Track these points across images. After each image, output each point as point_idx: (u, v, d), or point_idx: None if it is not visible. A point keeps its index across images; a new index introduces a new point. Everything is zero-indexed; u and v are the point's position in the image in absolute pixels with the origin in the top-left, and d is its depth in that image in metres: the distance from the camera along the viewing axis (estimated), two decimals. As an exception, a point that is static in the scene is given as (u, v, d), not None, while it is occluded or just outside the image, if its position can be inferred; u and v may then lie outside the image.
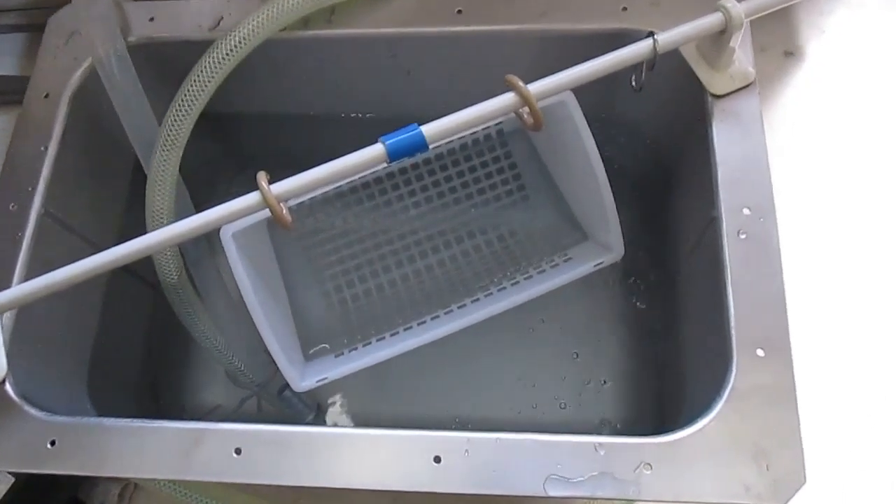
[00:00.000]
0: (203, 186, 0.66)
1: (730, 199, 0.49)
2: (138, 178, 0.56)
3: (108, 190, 0.62)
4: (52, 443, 0.46)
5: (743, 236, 0.48)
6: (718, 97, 0.52)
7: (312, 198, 0.63)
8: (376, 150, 0.46)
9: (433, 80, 0.62)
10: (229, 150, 0.74)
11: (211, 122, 0.68)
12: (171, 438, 0.46)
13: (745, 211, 0.49)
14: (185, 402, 0.70)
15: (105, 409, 0.59)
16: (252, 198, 0.46)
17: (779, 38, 0.69)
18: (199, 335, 0.60)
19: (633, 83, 0.51)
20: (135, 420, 0.47)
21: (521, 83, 0.46)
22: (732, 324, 0.46)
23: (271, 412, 0.66)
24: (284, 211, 0.49)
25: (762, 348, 0.45)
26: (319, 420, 0.66)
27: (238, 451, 0.45)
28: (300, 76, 0.64)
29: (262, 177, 0.46)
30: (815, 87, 0.65)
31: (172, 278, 0.58)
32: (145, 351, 0.69)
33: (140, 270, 0.66)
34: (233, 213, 0.46)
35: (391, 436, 0.45)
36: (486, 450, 0.44)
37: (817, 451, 0.44)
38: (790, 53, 0.68)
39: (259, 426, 0.46)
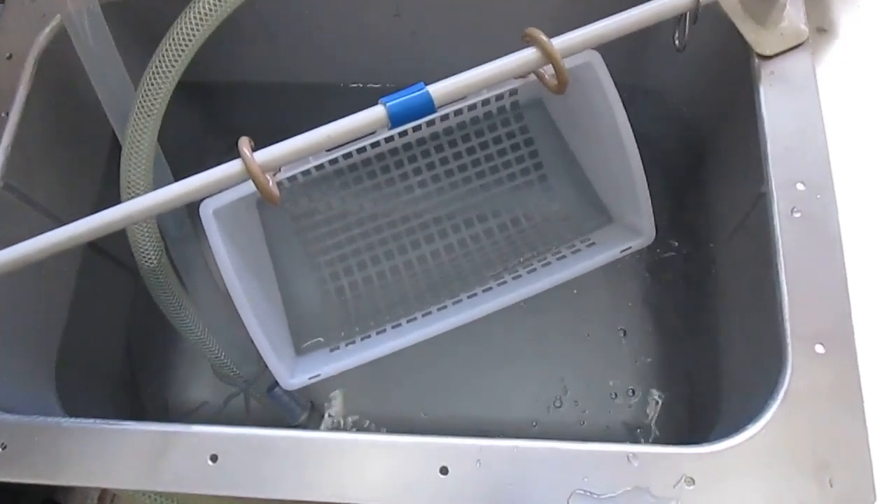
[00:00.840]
0: (191, 164, 0.61)
1: (781, 172, 0.44)
2: (117, 150, 0.51)
3: (81, 163, 0.58)
4: (3, 446, 0.41)
5: (797, 215, 0.43)
6: (766, 58, 0.47)
7: (307, 175, 0.57)
8: (376, 112, 0.40)
9: (441, 42, 0.57)
10: (220, 124, 0.70)
11: (200, 93, 0.66)
12: (138, 442, 0.40)
13: (800, 186, 0.44)
14: (168, 398, 0.65)
15: (76, 407, 0.54)
16: (233, 166, 0.40)
17: (810, 14, 0.63)
18: (180, 325, 0.55)
19: (676, 41, 0.45)
20: (97, 421, 0.41)
21: (543, 37, 0.41)
22: (786, 316, 0.41)
23: (260, 411, 0.62)
24: (271, 183, 0.43)
25: (822, 344, 0.40)
26: (313, 420, 0.60)
27: (214, 459, 0.40)
28: (295, 40, 0.59)
29: (244, 143, 0.40)
30: (850, 64, 0.60)
31: (151, 262, 0.53)
32: (124, 342, 0.64)
33: (118, 254, 0.61)
34: (210, 183, 0.40)
35: (391, 442, 0.40)
36: (501, 460, 0.39)
37: (888, 463, 0.38)
38: (823, 30, 0.62)
39: (238, 429, 0.41)
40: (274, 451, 0.40)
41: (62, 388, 0.54)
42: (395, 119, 0.40)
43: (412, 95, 0.40)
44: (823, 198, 0.43)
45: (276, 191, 0.42)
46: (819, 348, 0.40)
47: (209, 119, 0.69)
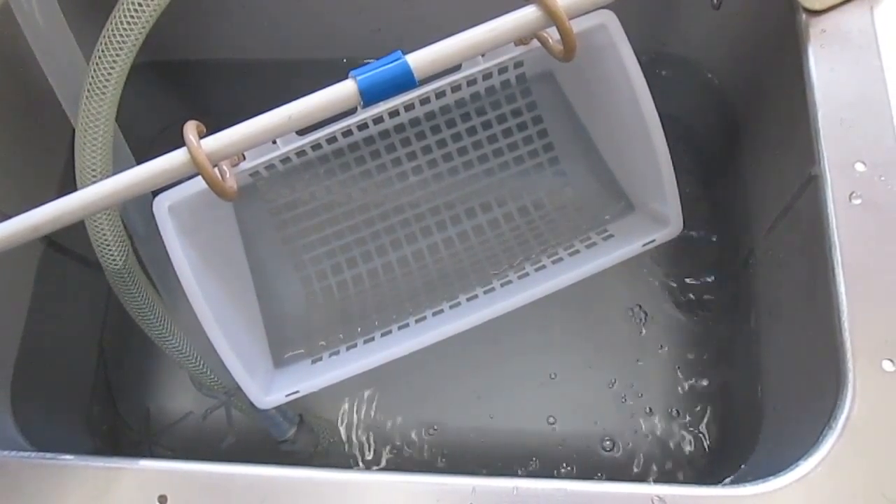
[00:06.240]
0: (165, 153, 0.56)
1: (836, 151, 0.38)
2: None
3: (33, 154, 0.52)
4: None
5: (857, 201, 0.37)
6: (816, 13, 0.41)
7: (287, 163, 0.51)
8: (345, 88, 0.34)
9: (436, 6, 0.52)
10: (194, 107, 0.65)
11: (172, 73, 0.62)
12: (73, 480, 0.35)
13: (859, 167, 0.38)
14: (150, 407, 0.61)
15: (40, 425, 0.50)
16: (176, 157, 0.34)
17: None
18: (152, 332, 0.51)
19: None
20: (30, 455, 0.36)
21: (545, -9, 0.34)
22: (846, 324, 0.35)
23: (245, 424, 0.56)
24: (228, 174, 0.38)
25: (891, 360, 0.34)
26: (301, 435, 0.55)
27: (163, 500, 0.34)
28: (274, 12, 0.54)
29: (190, 128, 0.35)
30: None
31: (116, 263, 0.49)
32: (98, 348, 0.59)
33: (87, 252, 0.56)
34: (150, 177, 0.34)
35: (368, 481, 0.34)
36: (500, 503, 0.33)
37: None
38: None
39: (192, 465, 0.35)
40: (234, 492, 0.34)
41: (21, 405, 0.49)
42: (368, 95, 0.34)
43: (386, 67, 0.34)
44: (888, 180, 0.37)
45: (231, 184, 0.36)
46: (887, 365, 0.34)
47: (184, 102, 0.64)
